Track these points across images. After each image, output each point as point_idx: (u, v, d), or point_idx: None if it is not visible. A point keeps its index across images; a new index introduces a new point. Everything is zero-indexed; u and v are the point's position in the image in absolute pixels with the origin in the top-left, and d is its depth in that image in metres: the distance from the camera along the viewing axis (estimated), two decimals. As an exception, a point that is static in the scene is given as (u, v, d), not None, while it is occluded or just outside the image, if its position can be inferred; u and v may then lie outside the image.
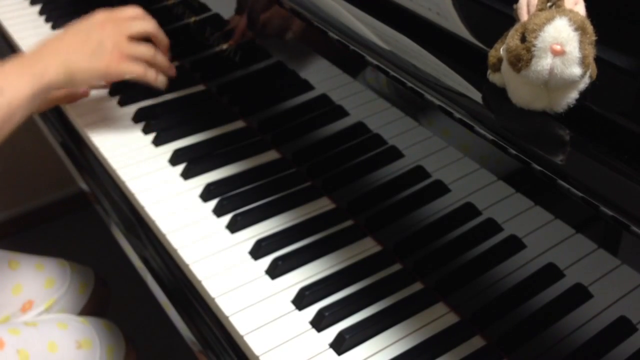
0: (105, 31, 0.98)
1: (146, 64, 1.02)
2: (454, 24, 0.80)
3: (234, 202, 0.96)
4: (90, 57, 0.96)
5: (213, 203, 0.97)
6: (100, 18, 1.00)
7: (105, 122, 1.11)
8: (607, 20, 0.69)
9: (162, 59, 1.05)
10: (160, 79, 1.03)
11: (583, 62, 0.62)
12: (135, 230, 0.99)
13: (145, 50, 1.01)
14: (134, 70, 1.00)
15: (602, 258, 0.65)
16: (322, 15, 0.86)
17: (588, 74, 0.64)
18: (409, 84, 0.75)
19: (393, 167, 0.88)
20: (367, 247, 0.91)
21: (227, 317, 0.83)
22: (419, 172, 0.84)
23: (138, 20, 1.02)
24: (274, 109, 1.07)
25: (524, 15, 0.66)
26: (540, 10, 0.64)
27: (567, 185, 0.61)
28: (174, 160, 1.04)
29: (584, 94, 0.65)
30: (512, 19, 0.68)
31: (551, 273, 0.71)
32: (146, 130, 1.09)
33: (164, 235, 0.93)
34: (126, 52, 0.99)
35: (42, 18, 1.36)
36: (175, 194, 0.99)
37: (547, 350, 0.74)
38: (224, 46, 1.13)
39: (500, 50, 0.67)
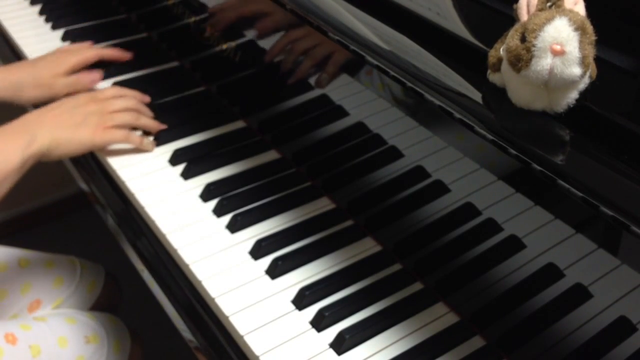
0: (89, 108, 1.02)
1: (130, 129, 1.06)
2: (454, 24, 0.80)
3: (234, 202, 0.96)
4: (75, 129, 0.99)
5: (213, 203, 0.97)
6: (83, 99, 1.04)
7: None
8: (607, 20, 0.69)
9: (146, 121, 1.07)
10: (146, 141, 1.06)
11: (583, 62, 0.62)
12: (135, 230, 0.99)
13: (128, 117, 1.05)
14: (118, 137, 1.03)
15: (602, 258, 0.65)
16: (322, 15, 0.86)
17: (588, 74, 0.64)
18: (409, 84, 0.75)
19: (393, 167, 0.88)
20: (367, 247, 0.91)
21: (227, 317, 0.83)
22: (419, 172, 0.84)
23: (119, 98, 1.06)
24: (274, 109, 1.07)
25: (524, 15, 0.66)
26: (540, 10, 0.64)
27: (567, 185, 0.61)
28: (174, 160, 1.04)
29: (584, 94, 0.65)
30: (512, 19, 0.68)
31: (551, 273, 0.71)
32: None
33: (164, 235, 0.93)
34: (110, 124, 1.02)
35: (42, 18, 1.36)
36: (175, 194, 0.99)
37: (547, 350, 0.74)
38: (224, 46, 1.13)
39: (500, 50, 0.67)
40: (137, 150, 1.06)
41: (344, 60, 0.90)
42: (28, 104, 1.15)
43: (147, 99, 1.12)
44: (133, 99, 1.08)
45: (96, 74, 1.16)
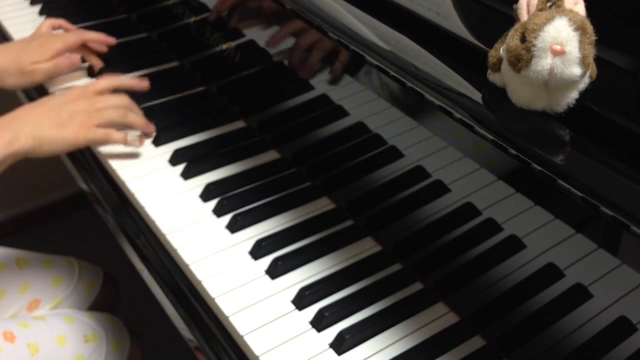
0: (77, 106, 1.01)
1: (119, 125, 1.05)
2: (454, 24, 0.80)
3: (234, 202, 0.96)
4: (59, 128, 0.98)
5: (213, 203, 0.97)
6: (74, 94, 1.03)
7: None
8: (607, 20, 0.69)
9: (135, 118, 1.06)
10: (131, 137, 1.04)
11: (583, 62, 0.62)
12: (135, 229, 0.99)
13: (114, 114, 1.03)
14: (99, 137, 1.01)
15: (602, 258, 0.65)
16: (322, 15, 0.86)
17: (588, 74, 0.64)
18: (409, 84, 0.75)
19: (393, 167, 0.88)
20: (367, 247, 0.91)
21: (227, 317, 0.83)
22: (419, 172, 0.84)
23: (108, 96, 1.05)
24: (274, 109, 1.07)
25: (524, 15, 0.66)
26: (540, 10, 0.64)
27: (567, 185, 0.61)
28: (174, 160, 1.04)
29: (584, 94, 0.65)
30: (512, 19, 0.68)
31: (551, 273, 0.71)
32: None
33: (164, 235, 0.93)
34: (95, 122, 1.01)
35: (42, 18, 1.36)
36: (175, 194, 0.99)
37: (547, 350, 0.74)
38: (224, 46, 1.13)
39: (500, 50, 0.67)
40: (137, 150, 1.06)
41: (343, 58, 0.90)
42: (11, 90, 1.15)
43: (146, 84, 1.12)
44: (123, 96, 1.07)
45: (75, 57, 1.15)
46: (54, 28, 1.21)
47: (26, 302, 1.16)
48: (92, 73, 1.21)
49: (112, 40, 1.21)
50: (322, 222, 0.94)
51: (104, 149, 1.06)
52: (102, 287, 1.26)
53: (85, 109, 1.01)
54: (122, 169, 1.03)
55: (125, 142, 1.04)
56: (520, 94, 0.66)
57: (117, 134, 1.03)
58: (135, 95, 1.14)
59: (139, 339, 1.21)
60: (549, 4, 0.65)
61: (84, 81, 1.20)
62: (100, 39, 1.20)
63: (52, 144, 0.98)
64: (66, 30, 1.22)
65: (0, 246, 1.21)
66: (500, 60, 0.68)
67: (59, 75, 1.15)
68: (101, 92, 1.05)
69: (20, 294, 1.16)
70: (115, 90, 1.08)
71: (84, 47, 1.19)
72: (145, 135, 1.07)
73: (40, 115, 0.98)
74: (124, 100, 1.06)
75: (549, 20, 0.62)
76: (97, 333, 1.12)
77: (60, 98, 1.02)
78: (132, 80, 1.12)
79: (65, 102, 1.01)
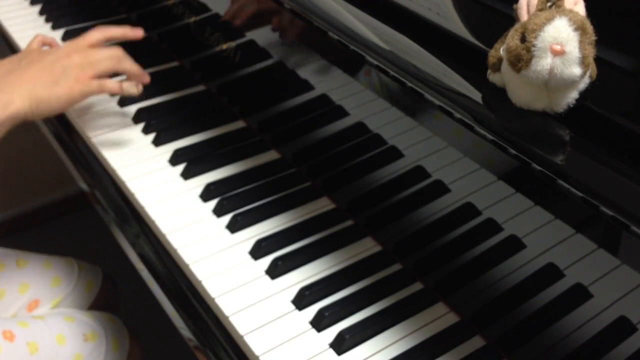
0: (70, 60, 0.99)
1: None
2: (454, 24, 0.80)
3: (234, 202, 0.96)
4: (53, 85, 0.96)
5: (213, 203, 0.97)
6: (65, 50, 1.01)
7: (106, 122, 1.11)
8: (607, 20, 0.69)
9: (130, 65, 1.04)
10: (126, 85, 1.03)
11: (583, 62, 0.62)
12: (135, 230, 0.99)
13: (108, 63, 1.01)
14: (94, 88, 0.99)
15: (602, 258, 0.65)
16: (322, 15, 0.87)
17: (588, 74, 0.64)
18: (409, 84, 0.75)
19: (393, 167, 0.88)
20: (367, 247, 0.91)
21: (227, 317, 0.83)
22: (419, 172, 0.84)
23: (104, 48, 1.03)
24: (274, 109, 1.07)
25: (524, 15, 0.66)
26: (540, 10, 0.64)
27: (567, 185, 0.61)
28: (174, 160, 1.04)
29: (584, 94, 0.65)
30: (512, 19, 0.68)
31: (551, 273, 0.71)
32: (146, 130, 1.09)
33: (164, 235, 0.93)
34: (90, 73, 0.99)
35: (42, 18, 1.36)
36: (175, 194, 0.99)
37: (547, 350, 0.74)
38: (224, 46, 1.13)
39: (500, 50, 0.67)
40: (138, 150, 1.06)
41: (343, 58, 0.90)
42: None
43: (140, 32, 1.09)
44: (116, 47, 1.04)
45: None
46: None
47: (26, 302, 1.16)
48: None
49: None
50: (322, 222, 0.94)
51: (105, 151, 1.06)
52: (102, 287, 1.26)
53: (79, 63, 0.99)
54: (122, 169, 1.03)
55: (121, 91, 1.02)
56: (520, 94, 0.66)
57: (112, 83, 1.01)
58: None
59: (138, 339, 1.21)
60: (549, 4, 0.65)
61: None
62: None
63: (48, 103, 0.96)
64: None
65: (0, 246, 1.21)
66: (500, 60, 0.68)
67: None
68: (93, 45, 1.03)
69: (20, 294, 1.16)
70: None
71: None
72: (140, 83, 1.05)
73: (34, 75, 0.96)
74: (117, 51, 1.03)
75: (549, 20, 0.62)
76: (97, 332, 1.12)
77: (53, 55, 1.00)
78: (125, 29, 1.08)
79: (58, 58, 0.99)
